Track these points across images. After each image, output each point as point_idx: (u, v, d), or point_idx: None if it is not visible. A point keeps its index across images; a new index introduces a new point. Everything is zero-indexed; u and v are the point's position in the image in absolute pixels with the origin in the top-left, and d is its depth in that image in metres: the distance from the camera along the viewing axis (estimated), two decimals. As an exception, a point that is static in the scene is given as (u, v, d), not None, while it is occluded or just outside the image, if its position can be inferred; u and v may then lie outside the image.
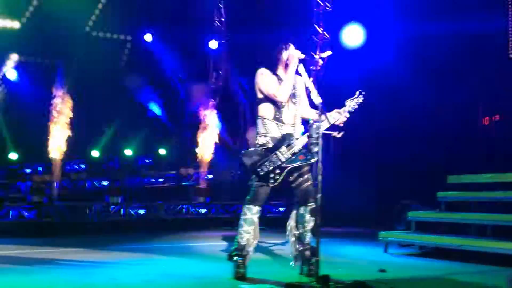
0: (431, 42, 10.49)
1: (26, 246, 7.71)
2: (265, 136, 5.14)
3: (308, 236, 5.17)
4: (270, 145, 5.10)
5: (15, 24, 12.74)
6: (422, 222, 7.52)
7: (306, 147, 5.07)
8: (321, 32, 12.66)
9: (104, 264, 6.26)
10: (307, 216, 5.15)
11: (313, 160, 5.00)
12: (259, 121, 5.24)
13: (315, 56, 12.68)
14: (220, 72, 14.45)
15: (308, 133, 5.02)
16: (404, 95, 11.08)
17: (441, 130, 10.69)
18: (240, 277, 5.05)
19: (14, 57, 12.98)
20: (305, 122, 5.29)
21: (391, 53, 11.07)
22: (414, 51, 10.89)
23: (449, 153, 10.25)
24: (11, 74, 12.61)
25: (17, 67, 12.95)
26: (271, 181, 5.07)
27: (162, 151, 13.89)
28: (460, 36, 9.98)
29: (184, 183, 13.12)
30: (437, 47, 10.52)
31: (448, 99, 10.57)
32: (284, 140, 5.10)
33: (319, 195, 4.62)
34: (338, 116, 5.15)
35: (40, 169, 12.46)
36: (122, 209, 11.03)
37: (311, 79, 5.41)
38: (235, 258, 5.13)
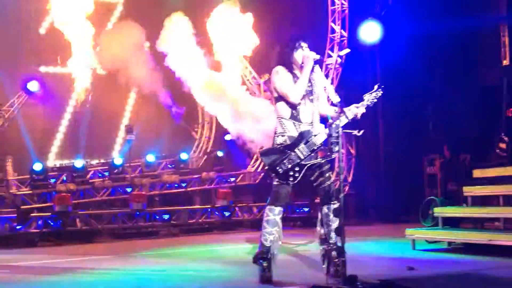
0: (447, 37, 10.39)
1: (52, 256, 7.79)
2: (283, 136, 5.10)
3: (333, 236, 5.10)
4: (289, 143, 5.06)
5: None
6: (449, 218, 7.40)
7: (326, 144, 5.01)
8: (338, 30, 12.60)
9: (130, 271, 6.28)
10: (331, 215, 5.09)
11: (333, 156, 4.93)
12: (276, 121, 5.20)
13: (332, 54, 12.64)
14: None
15: (327, 130, 4.97)
16: (424, 89, 10.97)
17: (464, 124, 10.54)
18: (266, 280, 5.00)
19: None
20: (323, 119, 5.24)
21: (409, 48, 10.97)
22: (428, 46, 10.80)
23: (473, 146, 10.10)
24: (33, 86, 12.77)
25: (38, 77, 13.10)
26: (291, 179, 5.02)
27: (184, 156, 13.92)
28: (477, 30, 9.88)
29: (206, 187, 13.13)
30: (449, 42, 10.43)
31: (470, 90, 10.43)
32: (303, 137, 5.05)
33: (341, 195, 4.57)
34: (356, 111, 5.08)
35: (64, 178, 12.58)
36: (146, 215, 11.08)
37: (330, 77, 5.37)
38: (260, 261, 5.09)
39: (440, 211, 7.48)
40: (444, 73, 10.85)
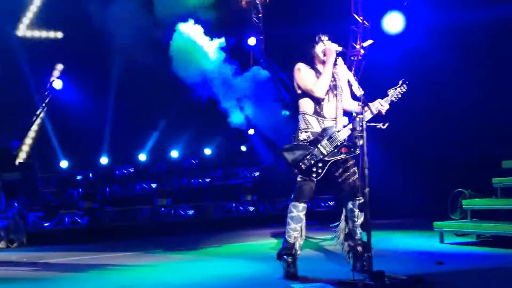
0: (475, 28, 10.15)
1: (79, 253, 7.86)
2: (306, 132, 5.04)
3: (359, 231, 5.03)
4: (312, 139, 4.99)
5: (58, 35, 13.05)
6: (477, 210, 7.24)
7: (349, 139, 4.94)
8: (360, 21, 12.44)
9: (156, 267, 6.31)
10: (356, 211, 5.01)
11: (357, 152, 4.85)
12: (300, 117, 5.14)
13: (356, 46, 12.49)
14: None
15: (350, 125, 4.89)
16: (450, 80, 10.75)
17: (491, 114, 10.30)
18: (291, 276, 4.97)
19: (59, 67, 13.28)
20: (347, 114, 5.16)
21: (434, 40, 10.75)
22: (457, 37, 10.55)
23: (502, 137, 9.86)
24: (57, 84, 12.90)
25: (62, 76, 13.23)
26: (314, 175, 4.96)
27: (208, 151, 13.93)
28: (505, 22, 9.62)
29: (230, 182, 13.13)
30: (481, 33, 10.17)
31: (497, 82, 10.18)
32: (326, 133, 4.97)
33: (367, 189, 4.48)
34: (381, 107, 4.99)
35: (90, 175, 12.71)
36: (171, 211, 11.13)
37: (353, 70, 5.27)
38: (285, 257, 5.05)
39: (469, 204, 7.32)
40: (475, 66, 10.60)
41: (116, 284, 5.31)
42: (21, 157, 12.53)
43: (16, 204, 10.08)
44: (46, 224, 10.08)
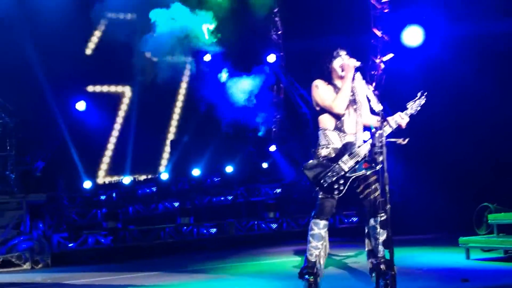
0: (493, 39, 10.05)
1: (103, 273, 7.89)
2: (327, 147, 5.00)
3: (382, 249, 4.94)
4: (332, 155, 4.95)
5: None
6: (504, 225, 7.09)
7: (370, 155, 4.88)
8: (380, 35, 12.40)
9: (179, 287, 6.29)
10: (378, 228, 4.93)
11: (378, 168, 4.79)
12: (320, 133, 5.11)
13: (376, 60, 12.44)
14: (281, 85, 14.48)
15: (371, 141, 4.84)
16: (471, 91, 10.63)
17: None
18: (312, 295, 4.90)
19: (83, 88, 13.46)
20: (367, 129, 5.11)
21: (453, 51, 10.68)
22: (476, 48, 10.46)
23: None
24: (80, 105, 13.09)
25: (85, 97, 13.41)
26: (336, 192, 4.90)
27: (229, 169, 13.96)
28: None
29: (252, 199, 13.10)
30: (499, 44, 10.08)
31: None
32: (346, 148, 4.93)
33: (388, 206, 4.42)
34: (400, 120, 4.94)
35: (114, 195, 12.80)
36: (193, 229, 11.13)
37: (373, 85, 5.23)
38: (306, 276, 4.98)
39: (495, 218, 7.18)
40: (494, 75, 10.47)
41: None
42: (46, 178, 12.68)
43: (41, 225, 10.19)
44: (70, 245, 10.16)
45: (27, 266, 9.13)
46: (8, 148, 10.30)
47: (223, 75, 13.59)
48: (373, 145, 4.76)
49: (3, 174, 9.90)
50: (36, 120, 11.91)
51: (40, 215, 10.40)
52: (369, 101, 5.04)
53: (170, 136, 15.15)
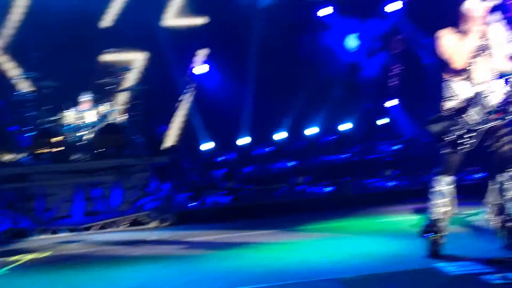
0: None
1: (222, 231, 8.13)
2: (452, 100, 4.68)
3: (510, 206, 4.59)
4: (458, 108, 4.61)
5: (200, 21, 13.46)
6: None
7: (502, 105, 4.48)
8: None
9: (295, 244, 6.35)
10: (507, 184, 4.57)
11: (508, 119, 4.40)
12: (444, 84, 4.78)
13: None
14: (402, 35, 13.78)
15: (503, 89, 4.43)
16: None
17: None
18: (435, 254, 4.71)
19: (202, 52, 13.73)
20: (502, 76, 4.66)
21: None
22: None
23: None
24: (200, 69, 13.43)
25: (206, 60, 13.70)
26: (461, 147, 4.59)
27: (346, 126, 13.73)
28: None
29: (369, 157, 12.80)
30: None
31: None
32: (473, 100, 4.56)
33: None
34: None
35: (231, 156, 13.14)
36: (309, 188, 11.13)
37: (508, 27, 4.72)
38: (428, 234, 4.78)
39: None
40: None
41: (258, 264, 5.40)
42: (168, 141, 13.29)
43: (165, 186, 10.72)
44: (192, 204, 10.61)
45: (154, 224, 9.67)
46: (136, 114, 10.84)
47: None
48: (509, 94, 4.36)
49: (131, 139, 10.45)
50: (158, 86, 12.38)
51: (165, 176, 10.94)
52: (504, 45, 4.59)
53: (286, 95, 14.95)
